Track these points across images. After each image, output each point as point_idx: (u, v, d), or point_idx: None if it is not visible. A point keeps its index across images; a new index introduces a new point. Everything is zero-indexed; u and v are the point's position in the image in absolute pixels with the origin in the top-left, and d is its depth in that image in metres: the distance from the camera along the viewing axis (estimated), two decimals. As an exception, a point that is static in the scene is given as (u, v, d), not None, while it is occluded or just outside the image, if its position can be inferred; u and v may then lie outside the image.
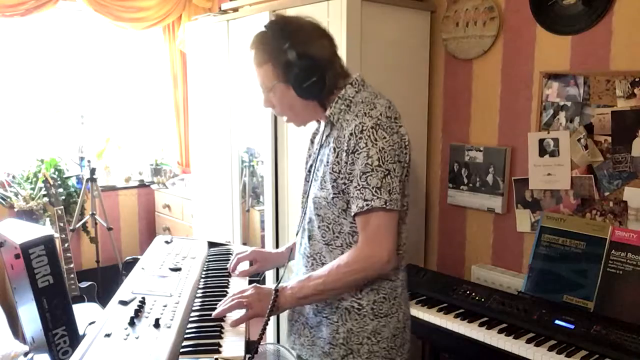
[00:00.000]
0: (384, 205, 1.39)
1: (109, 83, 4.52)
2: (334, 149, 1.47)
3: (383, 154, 1.40)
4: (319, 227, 1.54)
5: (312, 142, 1.68)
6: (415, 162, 2.80)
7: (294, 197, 2.74)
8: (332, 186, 1.47)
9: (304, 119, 1.60)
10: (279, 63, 1.46)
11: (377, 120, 1.42)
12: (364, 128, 1.41)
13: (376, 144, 1.40)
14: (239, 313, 1.48)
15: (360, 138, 1.41)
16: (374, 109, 1.45)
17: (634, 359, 1.85)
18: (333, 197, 1.48)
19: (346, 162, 1.44)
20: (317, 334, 1.55)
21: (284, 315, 2.93)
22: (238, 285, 1.75)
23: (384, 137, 1.41)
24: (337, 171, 1.46)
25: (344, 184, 1.45)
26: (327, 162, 1.49)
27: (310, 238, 1.58)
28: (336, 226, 1.51)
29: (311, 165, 1.61)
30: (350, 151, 1.43)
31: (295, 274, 1.65)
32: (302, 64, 1.44)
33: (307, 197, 1.60)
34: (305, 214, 1.62)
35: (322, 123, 1.59)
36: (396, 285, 1.54)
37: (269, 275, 2.93)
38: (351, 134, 1.43)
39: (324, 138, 1.55)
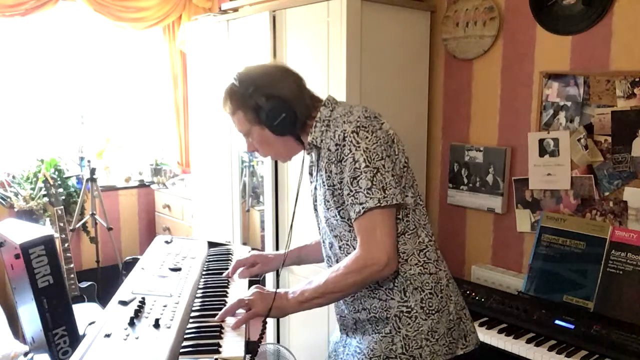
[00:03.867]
0: (379, 204, 1.39)
1: (108, 83, 4.52)
2: (324, 166, 1.49)
3: (369, 154, 1.41)
4: (340, 247, 1.55)
5: (311, 174, 1.68)
6: (415, 162, 2.80)
7: (294, 197, 2.73)
8: (334, 201, 1.49)
9: (288, 154, 1.64)
10: (249, 108, 1.52)
11: (356, 123, 1.44)
12: (346, 135, 1.43)
13: (359, 147, 1.41)
14: (240, 314, 1.48)
15: (344, 146, 1.43)
16: (351, 115, 1.47)
17: (634, 359, 1.85)
18: (340, 211, 1.49)
19: (336, 173, 1.46)
20: (367, 356, 1.51)
21: (286, 317, 2.93)
22: (238, 284, 1.75)
23: (367, 137, 1.42)
24: (332, 184, 1.48)
25: (340, 195, 1.47)
26: (323, 182, 1.51)
27: (338, 262, 1.57)
28: (354, 241, 1.50)
29: (315, 194, 1.61)
30: (338, 160, 1.45)
31: None
32: (269, 105, 1.49)
33: (321, 223, 1.62)
34: (324, 241, 1.63)
35: (313, 153, 1.60)
36: (439, 277, 1.52)
37: (269, 277, 2.93)
38: (337, 145, 1.45)
39: (317, 163, 1.57)
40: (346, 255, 1.53)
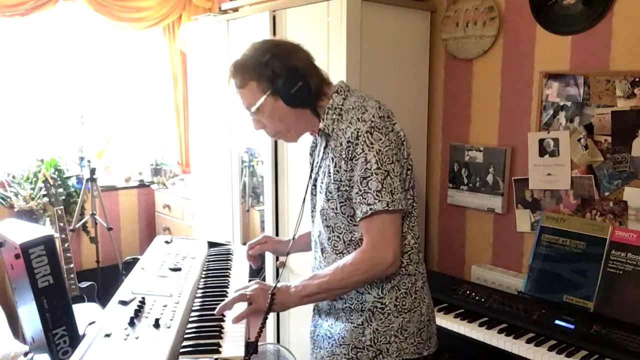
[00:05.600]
0: (387, 207, 1.41)
1: (108, 83, 4.52)
2: (333, 158, 1.49)
3: (381, 156, 1.42)
4: (329, 238, 1.56)
5: (311, 155, 1.69)
6: (415, 162, 2.78)
7: (294, 197, 2.74)
8: (338, 195, 1.49)
9: (298, 130, 1.60)
10: (264, 77, 1.49)
11: (371, 123, 1.44)
12: (360, 134, 1.43)
13: (372, 148, 1.42)
14: (240, 309, 1.47)
15: (357, 144, 1.43)
16: (365, 112, 1.46)
17: (634, 359, 1.85)
18: (341, 206, 1.50)
19: (346, 170, 1.46)
20: (337, 342, 1.55)
21: (286, 316, 2.93)
22: (238, 285, 1.75)
23: (380, 139, 1.43)
24: (339, 180, 1.48)
25: (346, 191, 1.47)
26: (329, 172, 1.50)
27: (322, 251, 1.60)
28: (347, 235, 1.52)
29: (315, 179, 1.62)
30: (349, 158, 1.45)
31: None
32: (286, 73, 1.47)
33: (315, 210, 1.62)
34: (314, 227, 1.63)
35: (319, 138, 1.60)
36: (416, 279, 1.55)
37: (269, 277, 2.93)
38: (349, 142, 1.44)
39: (322, 150, 1.56)
40: (332, 248, 1.55)
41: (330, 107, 1.52)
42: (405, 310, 1.52)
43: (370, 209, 1.41)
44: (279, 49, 1.52)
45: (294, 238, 1.77)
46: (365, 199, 1.42)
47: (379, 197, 1.41)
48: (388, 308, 1.51)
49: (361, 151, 1.42)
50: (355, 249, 1.51)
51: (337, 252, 1.55)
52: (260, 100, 1.51)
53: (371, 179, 1.41)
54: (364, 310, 1.51)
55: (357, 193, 1.44)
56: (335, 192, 1.49)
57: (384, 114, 1.48)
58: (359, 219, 1.45)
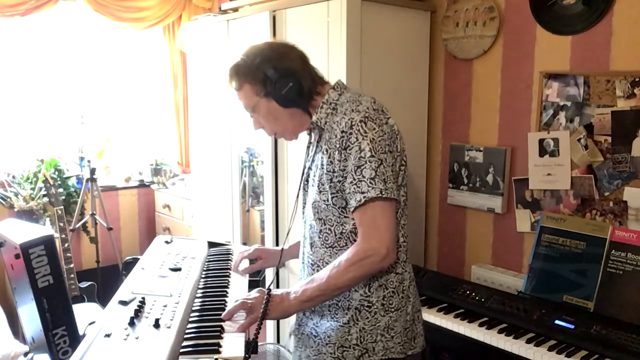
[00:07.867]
0: (380, 194, 1.41)
1: (109, 83, 4.52)
2: (327, 150, 1.50)
3: (374, 145, 1.43)
4: (320, 231, 1.56)
5: (307, 153, 1.69)
6: (415, 162, 2.80)
7: (294, 197, 2.74)
8: (330, 186, 1.49)
9: (294, 129, 1.63)
10: (256, 80, 1.54)
11: (365, 114, 1.45)
12: (353, 123, 1.44)
13: (366, 136, 1.43)
14: (243, 317, 1.48)
15: (351, 134, 1.44)
16: (360, 105, 1.49)
17: (633, 359, 1.85)
18: (332, 197, 1.50)
19: (339, 160, 1.47)
20: (323, 341, 1.55)
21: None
22: (238, 285, 1.75)
23: (374, 129, 1.44)
24: (332, 170, 1.48)
25: (339, 181, 1.48)
26: (322, 164, 1.51)
27: (312, 245, 1.60)
28: (338, 227, 1.52)
29: (307, 174, 1.62)
30: (342, 148, 1.46)
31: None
32: (277, 75, 1.51)
33: (305, 204, 1.62)
34: (305, 222, 1.63)
35: (313, 134, 1.61)
36: (404, 277, 1.56)
37: (269, 276, 2.93)
38: (342, 132, 1.46)
39: (315, 144, 1.58)
40: (322, 242, 1.56)
41: (325, 102, 1.55)
42: (393, 309, 1.52)
43: (364, 197, 1.41)
44: (270, 52, 1.56)
45: (283, 248, 1.78)
46: (359, 187, 1.42)
47: (372, 184, 1.41)
48: (375, 307, 1.51)
49: (355, 140, 1.43)
50: (346, 241, 1.51)
51: (327, 245, 1.55)
52: (255, 102, 1.56)
53: (365, 167, 1.42)
54: (350, 309, 1.52)
55: (351, 182, 1.44)
56: (328, 184, 1.50)
57: (378, 107, 1.50)
58: (352, 210, 1.45)
